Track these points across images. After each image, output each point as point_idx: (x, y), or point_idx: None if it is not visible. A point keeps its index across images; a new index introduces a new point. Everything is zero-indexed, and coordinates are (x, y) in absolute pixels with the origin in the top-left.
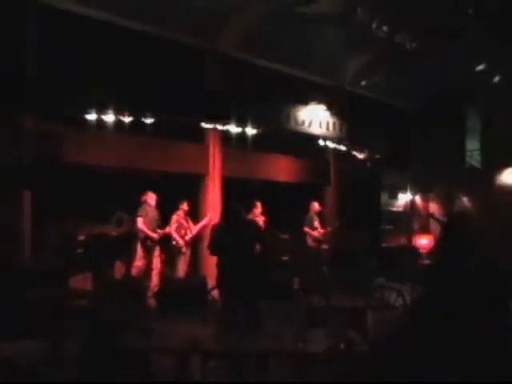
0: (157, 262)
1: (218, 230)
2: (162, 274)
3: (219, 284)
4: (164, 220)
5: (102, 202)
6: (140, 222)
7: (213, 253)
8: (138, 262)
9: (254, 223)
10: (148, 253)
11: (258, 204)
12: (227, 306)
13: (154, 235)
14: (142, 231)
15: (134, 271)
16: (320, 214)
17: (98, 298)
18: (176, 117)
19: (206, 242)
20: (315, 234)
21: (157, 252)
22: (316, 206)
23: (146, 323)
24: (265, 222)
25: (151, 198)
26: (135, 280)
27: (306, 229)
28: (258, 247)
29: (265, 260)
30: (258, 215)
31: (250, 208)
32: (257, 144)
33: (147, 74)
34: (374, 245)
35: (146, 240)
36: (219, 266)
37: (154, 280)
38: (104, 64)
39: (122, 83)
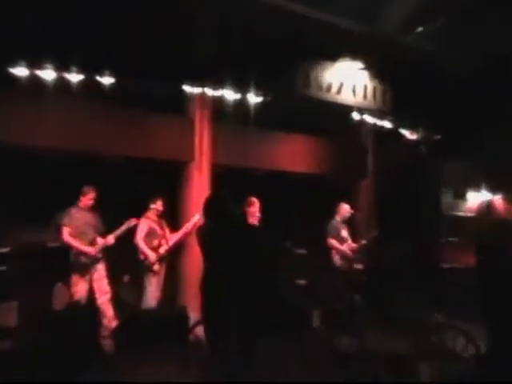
0: (101, 286)
1: (203, 235)
2: (121, 303)
3: (205, 317)
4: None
5: (36, 199)
6: (65, 233)
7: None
8: (76, 287)
9: (253, 227)
10: (83, 274)
11: (255, 201)
12: (216, 350)
13: (89, 249)
14: (70, 245)
15: (75, 298)
16: (351, 221)
17: (25, 339)
18: (147, 78)
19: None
20: (343, 248)
21: (99, 272)
22: (346, 208)
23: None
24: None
25: (86, 193)
26: (84, 311)
27: (331, 241)
28: (257, 257)
29: (272, 283)
30: (253, 215)
31: (242, 206)
32: (262, 118)
33: (105, 15)
34: (429, 265)
35: (79, 257)
36: (204, 289)
37: (107, 312)
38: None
39: (66, 27)
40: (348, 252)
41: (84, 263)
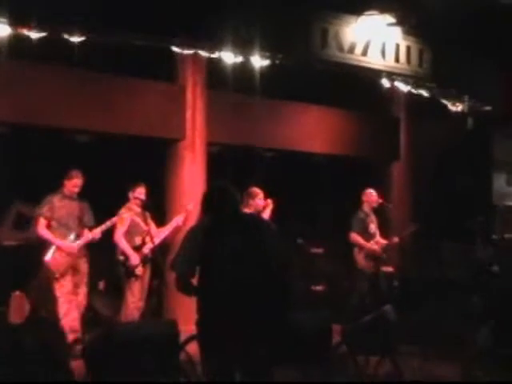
0: (79, 293)
1: (196, 238)
2: (94, 316)
3: (202, 333)
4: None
5: None
6: (42, 225)
7: (184, 287)
8: (60, 290)
9: (262, 222)
10: (64, 274)
11: (258, 191)
12: (214, 372)
13: (67, 245)
14: (46, 239)
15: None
16: (381, 213)
17: None
18: (127, 34)
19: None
20: (369, 245)
21: (81, 275)
22: (374, 196)
23: None
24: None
25: (72, 178)
26: (49, 325)
27: (355, 236)
28: (273, 265)
29: (284, 291)
30: (258, 209)
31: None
32: (269, 86)
33: None
34: (479, 269)
35: (55, 256)
36: (202, 300)
37: (75, 322)
38: None
39: None
40: (376, 248)
41: (61, 262)
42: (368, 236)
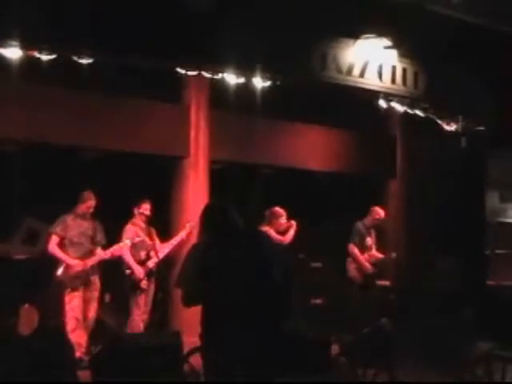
0: (88, 310)
1: (198, 256)
2: (101, 327)
3: (206, 346)
4: (112, 236)
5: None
6: (53, 243)
7: (189, 300)
8: (69, 304)
9: (265, 238)
10: (75, 290)
11: (282, 213)
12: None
13: (75, 263)
14: (57, 257)
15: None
16: (380, 229)
17: None
18: (133, 57)
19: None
20: (362, 259)
21: (91, 291)
22: (379, 213)
23: None
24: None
25: (86, 200)
26: (57, 337)
27: (352, 248)
28: (277, 279)
29: (283, 304)
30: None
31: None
32: (271, 106)
33: None
34: (472, 283)
35: (67, 272)
36: (206, 316)
37: (81, 339)
38: None
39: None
40: (366, 266)
41: (73, 278)
42: (365, 248)
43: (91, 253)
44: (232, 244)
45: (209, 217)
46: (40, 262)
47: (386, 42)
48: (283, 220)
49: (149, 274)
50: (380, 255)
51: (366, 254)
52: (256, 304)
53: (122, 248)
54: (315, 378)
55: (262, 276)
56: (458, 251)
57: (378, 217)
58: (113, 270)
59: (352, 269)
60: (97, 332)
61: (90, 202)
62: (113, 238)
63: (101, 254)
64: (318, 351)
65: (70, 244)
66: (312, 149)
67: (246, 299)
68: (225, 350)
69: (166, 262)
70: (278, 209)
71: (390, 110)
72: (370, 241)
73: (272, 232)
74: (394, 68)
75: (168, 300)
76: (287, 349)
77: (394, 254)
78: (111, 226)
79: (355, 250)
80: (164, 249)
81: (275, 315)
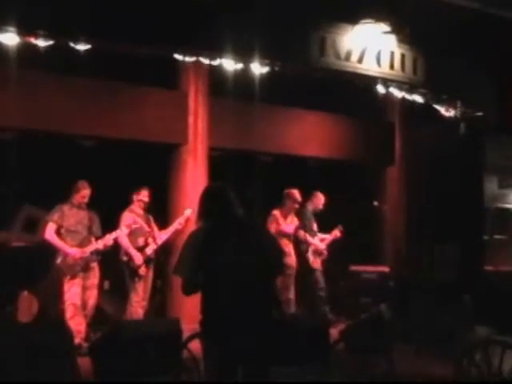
0: (88, 297)
1: (196, 243)
2: (101, 314)
3: (204, 332)
4: (108, 223)
5: None
6: (50, 230)
7: (189, 289)
8: (68, 293)
9: (258, 224)
10: (74, 278)
11: (296, 195)
12: (217, 369)
13: (72, 251)
14: (53, 244)
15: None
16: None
17: None
18: (130, 42)
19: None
20: (316, 242)
21: (90, 279)
22: (321, 199)
23: None
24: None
25: (80, 190)
26: (56, 324)
27: (303, 233)
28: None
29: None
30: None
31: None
32: (269, 92)
33: None
34: (470, 269)
35: (65, 259)
36: (206, 303)
37: (80, 326)
38: None
39: None
40: (320, 246)
41: (72, 265)
42: (313, 234)
43: (89, 241)
44: (230, 232)
45: (208, 201)
46: (39, 249)
47: (385, 27)
48: (297, 204)
49: (147, 260)
50: (329, 236)
51: (316, 238)
52: (254, 292)
53: (116, 236)
54: (313, 365)
55: (259, 264)
56: (457, 237)
57: (319, 203)
58: (112, 257)
59: (310, 256)
60: (96, 319)
61: (84, 192)
62: (111, 225)
63: (94, 244)
64: (316, 337)
65: (67, 232)
66: (311, 135)
67: (244, 287)
68: (224, 337)
69: (165, 249)
70: (294, 191)
71: (389, 96)
72: (315, 226)
73: (279, 216)
74: (392, 54)
75: (167, 287)
76: (285, 335)
77: (337, 232)
78: (110, 213)
79: (307, 235)
80: (162, 235)
81: (272, 302)
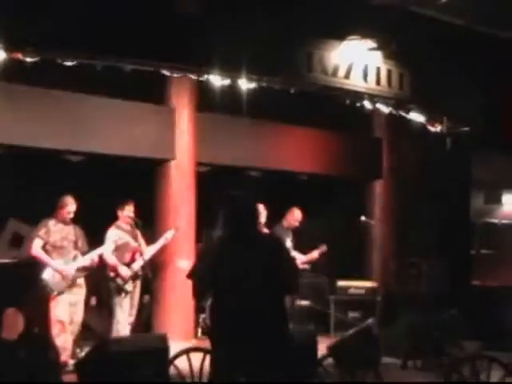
0: (73, 313)
1: (211, 253)
2: (87, 331)
3: (213, 344)
4: (95, 239)
5: None
6: (36, 246)
7: (197, 295)
8: (55, 309)
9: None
10: (60, 294)
11: (295, 212)
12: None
13: (60, 267)
14: (40, 260)
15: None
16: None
17: None
18: (118, 57)
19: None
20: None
21: (76, 295)
22: (296, 215)
23: None
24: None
25: (65, 206)
26: (42, 341)
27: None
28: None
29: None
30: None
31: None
32: (256, 107)
33: None
34: (457, 283)
35: (52, 275)
36: (214, 314)
37: (66, 343)
38: None
39: None
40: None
41: (58, 281)
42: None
43: (75, 256)
44: (247, 244)
45: (229, 211)
46: (25, 265)
47: (371, 43)
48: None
49: (134, 276)
50: (303, 257)
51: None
52: (262, 307)
53: (102, 252)
54: (301, 380)
55: (270, 281)
56: (444, 252)
57: (294, 219)
58: (98, 273)
59: None
60: (82, 335)
61: (69, 207)
62: (98, 241)
63: (81, 260)
64: (304, 352)
65: (53, 248)
66: (298, 150)
67: (252, 301)
68: (230, 350)
69: (152, 264)
70: (296, 211)
71: (376, 111)
72: (288, 242)
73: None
74: (378, 69)
75: (154, 302)
76: (285, 351)
77: (316, 252)
78: (96, 229)
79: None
80: (149, 251)
81: (280, 317)
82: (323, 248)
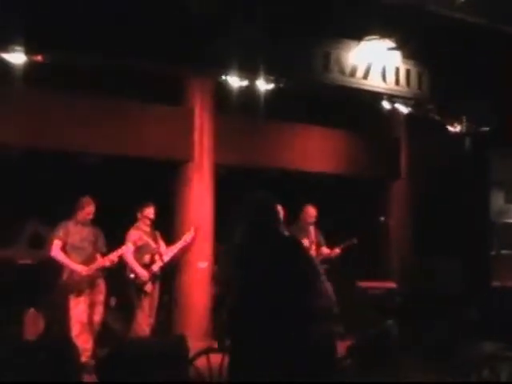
0: (93, 314)
1: (235, 254)
2: (107, 331)
3: (231, 350)
4: (113, 240)
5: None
6: (56, 247)
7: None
8: (74, 310)
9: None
10: (80, 295)
11: (309, 209)
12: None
13: (79, 268)
14: (60, 261)
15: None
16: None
17: None
18: (137, 59)
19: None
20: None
21: (96, 295)
22: (311, 212)
23: None
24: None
25: (84, 207)
26: (63, 342)
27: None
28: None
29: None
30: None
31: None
32: (274, 109)
33: None
34: (476, 284)
35: (72, 276)
36: (232, 320)
37: (86, 344)
38: None
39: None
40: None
41: (78, 282)
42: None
43: (94, 257)
44: (269, 244)
45: (253, 212)
46: (45, 266)
47: (390, 43)
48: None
49: (153, 277)
50: (326, 250)
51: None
52: (285, 308)
53: (122, 253)
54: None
55: (292, 284)
56: (463, 252)
57: (309, 217)
58: (118, 274)
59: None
60: (102, 336)
61: (89, 209)
62: (117, 243)
63: (100, 261)
64: (322, 353)
65: (73, 249)
66: (317, 151)
67: (276, 301)
68: (252, 352)
69: (171, 266)
70: (309, 208)
71: (394, 111)
72: (306, 242)
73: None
74: (397, 69)
75: (174, 303)
76: (308, 352)
77: (337, 249)
78: (115, 230)
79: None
80: (169, 252)
81: (302, 319)
82: (353, 241)
